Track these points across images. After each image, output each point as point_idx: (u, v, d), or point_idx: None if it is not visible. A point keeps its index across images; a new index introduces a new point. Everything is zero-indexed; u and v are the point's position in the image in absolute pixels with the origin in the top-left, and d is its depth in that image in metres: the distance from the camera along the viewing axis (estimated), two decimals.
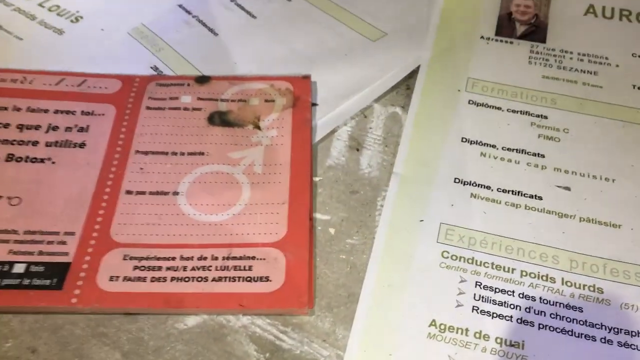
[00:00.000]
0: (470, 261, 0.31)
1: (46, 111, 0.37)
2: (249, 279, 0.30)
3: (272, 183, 0.34)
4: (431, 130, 0.38)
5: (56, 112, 0.37)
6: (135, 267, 0.30)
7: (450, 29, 0.44)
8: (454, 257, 0.32)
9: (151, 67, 0.41)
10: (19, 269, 0.30)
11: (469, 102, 0.39)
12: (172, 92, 0.39)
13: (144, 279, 0.30)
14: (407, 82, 0.41)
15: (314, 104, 0.39)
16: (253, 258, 0.31)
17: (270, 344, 0.29)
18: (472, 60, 0.42)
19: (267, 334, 0.29)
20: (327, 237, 0.33)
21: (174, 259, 0.31)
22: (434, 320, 0.30)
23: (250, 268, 0.31)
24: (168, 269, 0.30)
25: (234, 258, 0.31)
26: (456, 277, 0.31)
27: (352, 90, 0.40)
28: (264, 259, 0.31)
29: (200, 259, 0.31)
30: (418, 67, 0.41)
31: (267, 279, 0.30)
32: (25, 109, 0.37)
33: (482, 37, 0.43)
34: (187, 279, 0.30)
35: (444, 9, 0.45)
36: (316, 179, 0.35)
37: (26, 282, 0.29)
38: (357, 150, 0.37)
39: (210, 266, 0.31)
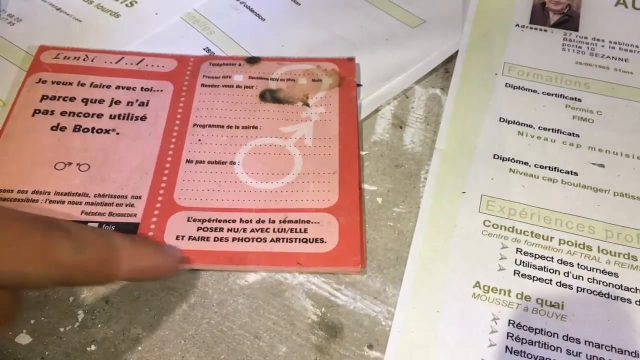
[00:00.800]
0: (510, 229, 0.33)
1: (108, 87, 0.40)
2: (305, 240, 0.32)
3: (322, 155, 0.37)
4: (470, 110, 0.40)
5: (117, 87, 0.40)
6: (199, 228, 0.33)
7: (486, 17, 0.46)
8: (495, 226, 0.34)
9: (203, 49, 0.43)
10: (92, 227, 0.32)
11: (505, 85, 0.41)
12: (225, 71, 0.41)
13: (207, 239, 0.32)
14: (446, 66, 0.43)
15: (359, 85, 0.41)
16: (308, 222, 0.33)
17: (325, 299, 0.31)
18: (508, 47, 0.44)
19: (322, 291, 0.31)
20: (375, 206, 0.35)
21: (234, 221, 0.33)
22: (477, 282, 0.32)
23: (305, 230, 0.33)
24: (229, 230, 0.33)
25: (290, 222, 0.33)
26: (498, 244, 0.33)
27: (393, 72, 0.42)
28: (318, 223, 0.33)
29: (258, 222, 0.33)
30: (456, 52, 0.43)
31: (321, 241, 0.32)
32: (88, 84, 0.39)
33: (517, 24, 0.45)
34: (247, 239, 0.32)
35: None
36: (362, 152, 0.37)
37: None
38: (400, 127, 0.39)
39: (268, 228, 0.33)
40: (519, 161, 0.37)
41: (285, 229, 0.33)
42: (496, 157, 0.37)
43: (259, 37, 0.45)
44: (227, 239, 0.32)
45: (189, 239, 0.32)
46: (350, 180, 0.35)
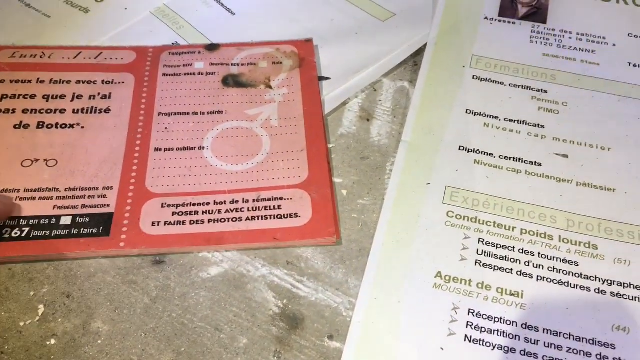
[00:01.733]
0: (473, 220, 0.34)
1: (68, 82, 0.40)
2: (279, 216, 0.33)
3: (289, 134, 0.37)
4: (437, 102, 0.40)
5: (78, 82, 0.40)
6: (174, 213, 0.33)
7: (455, 10, 0.46)
8: (458, 217, 0.34)
9: (172, 44, 0.43)
10: (65, 220, 0.32)
11: (473, 77, 0.41)
12: (185, 60, 0.41)
13: (183, 223, 0.32)
14: (415, 59, 0.43)
15: (326, 78, 0.41)
16: (281, 199, 0.34)
17: (288, 291, 0.31)
18: (477, 39, 0.44)
19: (284, 283, 0.31)
20: (340, 198, 0.35)
21: (208, 204, 0.33)
22: (439, 272, 0.32)
23: (279, 207, 0.33)
24: (204, 212, 0.33)
25: (264, 200, 0.34)
26: (460, 235, 0.33)
27: (362, 66, 0.42)
28: (291, 199, 0.33)
29: (232, 202, 0.33)
30: (425, 45, 0.43)
31: (296, 215, 0.33)
32: (48, 81, 0.39)
33: (485, 17, 0.45)
34: (223, 220, 0.33)
35: None
36: (329, 145, 0.37)
37: (74, 231, 0.32)
38: (368, 120, 0.39)
39: (243, 208, 0.33)
40: (484, 152, 0.37)
41: (259, 207, 0.33)
42: (462, 148, 0.37)
43: (228, 31, 0.45)
44: (202, 222, 0.33)
45: (165, 224, 0.32)
46: (319, 156, 0.36)
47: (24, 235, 0.32)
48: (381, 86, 0.41)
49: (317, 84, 0.40)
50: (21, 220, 0.32)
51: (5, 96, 0.38)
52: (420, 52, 0.43)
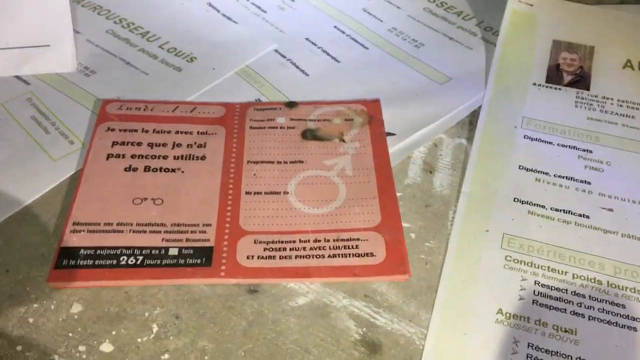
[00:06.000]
0: (529, 264, 0.38)
1: (169, 132, 0.45)
2: (357, 255, 0.37)
3: (362, 183, 0.42)
4: (492, 158, 0.45)
5: (177, 132, 0.45)
6: (265, 249, 0.38)
7: (506, 76, 0.51)
8: (515, 261, 0.38)
9: (255, 100, 0.49)
10: (173, 252, 0.37)
11: (524, 137, 0.46)
12: (269, 115, 0.47)
13: (273, 257, 0.37)
14: (470, 119, 0.48)
15: (392, 134, 0.46)
16: (358, 239, 0.38)
17: (366, 321, 0.35)
18: (526, 103, 0.49)
19: (363, 313, 0.36)
20: (409, 241, 0.39)
21: (294, 242, 0.38)
22: (500, 309, 0.36)
23: (357, 247, 0.38)
24: (291, 249, 0.38)
25: (343, 240, 0.38)
26: (518, 277, 0.37)
27: (423, 123, 0.48)
28: (367, 240, 0.38)
29: (315, 241, 0.38)
30: (479, 107, 0.49)
31: (372, 255, 0.37)
32: (151, 131, 0.45)
33: (534, 83, 0.51)
34: (308, 256, 0.37)
35: (501, 60, 0.52)
36: (398, 194, 0.42)
37: (181, 261, 0.37)
38: (430, 172, 0.44)
39: (325, 246, 0.38)
40: (537, 204, 0.41)
41: (339, 246, 0.38)
42: (516, 200, 0.42)
43: (303, 90, 0.50)
44: (290, 257, 0.37)
45: (258, 258, 0.37)
46: (389, 203, 0.40)
47: (138, 263, 0.37)
48: (441, 142, 0.46)
49: (384, 139, 0.45)
50: (135, 250, 0.37)
51: (115, 143, 0.44)
52: (475, 113, 0.48)
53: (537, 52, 0.53)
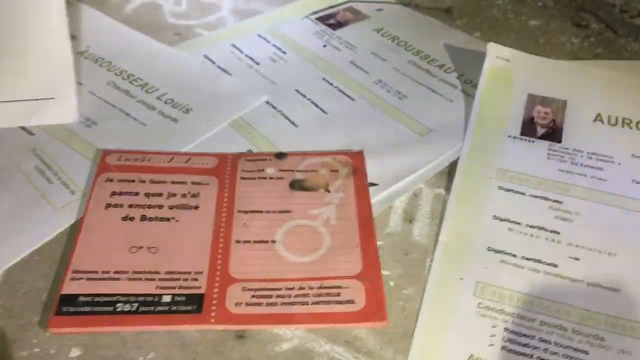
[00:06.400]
0: (500, 311, 0.41)
1: (164, 182, 0.48)
2: (338, 302, 0.40)
3: (345, 232, 0.45)
4: (468, 208, 0.48)
5: (172, 182, 0.48)
6: (253, 296, 0.40)
7: (483, 128, 0.54)
8: (487, 308, 0.41)
9: (247, 150, 0.52)
10: (166, 299, 0.40)
11: (498, 188, 0.49)
12: (259, 166, 0.50)
13: (260, 304, 0.40)
14: (449, 169, 0.51)
15: (374, 184, 0.49)
16: (339, 287, 0.41)
17: None
18: (502, 154, 0.52)
19: (344, 359, 0.38)
20: (388, 288, 0.42)
21: (280, 289, 0.41)
22: (471, 355, 0.38)
23: (338, 294, 0.40)
24: (277, 296, 0.40)
25: (326, 287, 0.41)
26: (489, 323, 0.40)
27: (404, 174, 0.51)
28: (348, 288, 0.41)
29: (299, 288, 0.41)
30: (458, 158, 0.52)
31: (352, 302, 0.40)
32: (148, 181, 0.48)
33: (509, 135, 0.54)
34: (292, 303, 0.40)
35: (479, 113, 0.56)
36: (378, 242, 0.45)
37: (174, 308, 0.39)
38: (410, 222, 0.47)
39: (309, 294, 0.40)
40: (509, 253, 0.44)
41: (322, 294, 0.40)
42: (489, 249, 0.45)
43: (292, 140, 0.53)
44: (276, 304, 0.40)
45: (246, 305, 0.40)
46: (370, 252, 0.43)
47: (134, 309, 0.39)
48: (421, 192, 0.49)
49: (367, 190, 0.48)
50: (131, 297, 0.40)
51: (114, 193, 0.47)
52: (454, 164, 0.51)
53: (513, 105, 0.56)
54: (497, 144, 0.53)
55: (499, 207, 0.48)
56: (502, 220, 0.47)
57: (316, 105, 0.57)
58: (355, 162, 0.51)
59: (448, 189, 0.49)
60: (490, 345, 0.39)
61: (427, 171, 0.51)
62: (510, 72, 0.59)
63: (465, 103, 0.58)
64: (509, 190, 0.49)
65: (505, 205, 0.48)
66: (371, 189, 0.49)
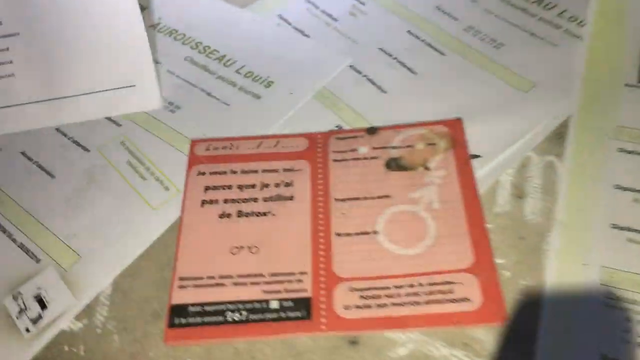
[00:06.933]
0: (633, 302, 0.37)
1: (256, 172, 0.46)
2: (452, 300, 0.38)
3: (450, 217, 0.42)
4: (585, 178, 0.43)
5: (264, 171, 0.46)
6: (361, 297, 0.39)
7: (596, 77, 0.49)
8: (617, 299, 0.38)
9: (335, 126, 0.49)
10: (274, 305, 0.39)
11: (618, 150, 0.44)
12: (350, 145, 0.47)
13: (370, 306, 0.38)
14: (559, 131, 0.46)
15: (477, 156, 0.46)
16: (452, 283, 0.39)
17: None
18: (619, 108, 0.46)
19: None
20: (503, 279, 0.39)
21: (388, 288, 0.39)
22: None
23: (451, 291, 0.38)
24: (387, 296, 0.39)
25: (437, 284, 0.39)
26: (621, 316, 0.37)
27: (509, 141, 0.46)
28: (462, 283, 0.38)
29: (409, 286, 0.39)
30: (569, 116, 0.47)
31: (467, 300, 0.38)
32: (239, 171, 0.46)
33: (626, 84, 0.48)
34: (403, 304, 0.38)
35: (589, 59, 0.50)
36: (487, 226, 0.42)
37: (283, 315, 0.39)
38: (520, 198, 0.43)
39: (419, 292, 0.38)
40: (636, 230, 0.40)
41: (434, 291, 0.38)
42: (613, 226, 0.41)
43: (382, 110, 0.50)
44: (386, 305, 0.38)
45: (355, 308, 0.38)
46: (481, 239, 0.40)
47: (243, 318, 0.39)
48: (529, 161, 0.45)
49: (470, 165, 0.45)
50: (239, 305, 0.40)
51: (208, 188, 0.46)
52: (565, 124, 0.46)
53: (627, 46, 0.50)
54: (612, 95, 0.47)
55: (620, 174, 0.43)
56: (625, 189, 0.42)
57: (403, 65, 0.53)
58: (454, 132, 0.47)
59: (559, 155, 0.45)
60: (625, 342, 0.36)
61: (534, 135, 0.47)
62: (624, 4, 0.52)
63: (571, 47, 0.52)
64: (630, 152, 0.44)
65: (627, 171, 0.43)
66: (473, 162, 0.45)
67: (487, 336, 0.37)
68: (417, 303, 0.38)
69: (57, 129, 0.52)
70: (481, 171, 0.45)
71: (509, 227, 0.42)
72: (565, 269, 0.39)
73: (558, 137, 0.46)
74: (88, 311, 0.41)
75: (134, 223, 0.45)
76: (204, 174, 0.47)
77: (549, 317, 0.37)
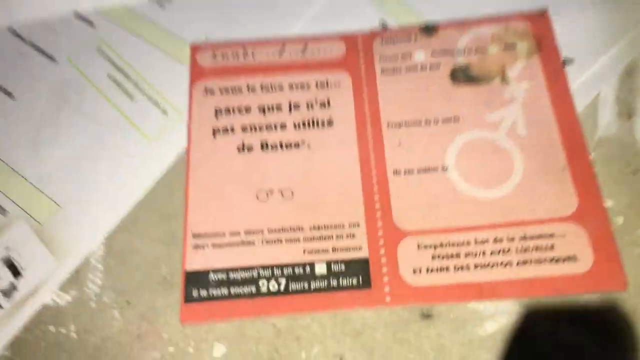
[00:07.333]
0: None
1: (281, 88, 0.35)
2: (554, 259, 0.29)
3: (543, 146, 0.32)
4: None
5: (291, 87, 0.35)
6: (434, 257, 0.30)
7: None
8: None
9: (379, 23, 0.38)
10: (320, 269, 0.30)
11: None
12: (402, 49, 0.36)
13: (447, 269, 0.29)
14: None
15: (570, 60, 0.35)
16: (552, 236, 0.30)
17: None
18: None
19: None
20: (615, 228, 0.30)
21: (468, 243, 0.30)
22: None
23: (552, 247, 0.29)
24: (467, 255, 0.30)
25: (532, 238, 0.30)
26: None
27: (608, 40, 0.36)
28: (564, 236, 0.30)
29: (495, 241, 0.30)
30: None
31: (574, 259, 0.29)
32: (259, 87, 0.35)
33: None
34: (490, 265, 0.29)
35: None
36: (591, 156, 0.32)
37: (333, 283, 0.30)
38: (629, 117, 0.33)
39: (509, 249, 0.30)
40: None
41: (529, 248, 0.30)
42: None
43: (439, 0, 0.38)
44: (468, 267, 0.30)
45: (427, 272, 0.30)
46: (585, 175, 0.31)
47: (282, 289, 0.30)
48: (636, 66, 0.35)
49: (564, 74, 0.34)
50: (275, 270, 0.30)
51: (219, 111, 0.35)
52: None
53: None
54: None
55: None
56: None
57: None
58: (539, 29, 0.36)
59: None
60: None
61: (638, 34, 0.36)
62: None
63: None
64: None
65: None
66: (567, 70, 0.35)
67: (602, 306, 0.29)
68: (509, 264, 0.29)
69: (11, 30, 0.39)
70: (577, 82, 0.34)
71: (617, 157, 0.32)
72: None
73: None
74: (76, 279, 0.32)
75: (124, 159, 0.35)
76: (212, 92, 0.35)
77: None
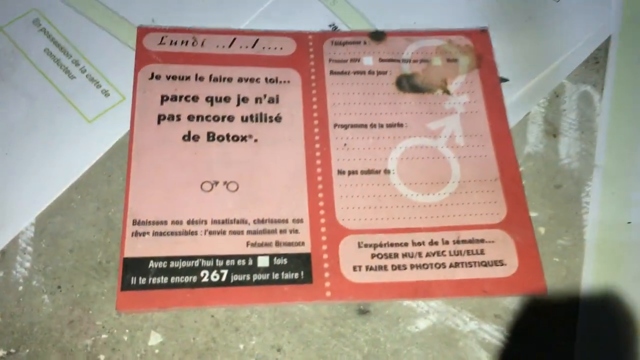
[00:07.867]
0: None
1: (230, 80, 0.35)
2: (484, 263, 0.31)
3: (478, 157, 0.34)
4: (630, 114, 0.36)
5: (240, 80, 0.36)
6: (373, 255, 0.31)
7: None
8: None
9: (329, 26, 0.38)
10: (263, 262, 0.30)
11: None
12: (352, 53, 0.37)
13: (385, 268, 0.31)
14: (596, 55, 0.39)
15: (505, 79, 0.37)
16: (482, 241, 0.32)
17: (500, 349, 0.30)
18: None
19: (495, 340, 0.30)
20: (538, 237, 0.33)
21: (406, 244, 0.31)
22: None
23: (482, 252, 0.31)
24: (404, 255, 0.31)
25: (464, 242, 0.31)
26: None
27: (541, 62, 0.38)
28: (493, 242, 0.31)
29: (431, 243, 0.31)
30: (608, 37, 0.39)
31: (501, 263, 0.31)
32: (208, 77, 0.35)
33: None
34: (425, 266, 0.31)
35: None
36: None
37: (275, 276, 0.30)
38: (554, 136, 0.36)
39: (444, 251, 0.31)
40: None
41: (461, 251, 0.31)
42: None
43: (388, 10, 0.40)
44: (405, 267, 0.31)
45: (367, 270, 0.31)
46: (514, 186, 0.33)
47: (223, 280, 0.30)
48: (563, 90, 0.38)
49: (500, 90, 0.36)
50: (217, 261, 0.30)
51: (165, 98, 0.34)
52: (605, 46, 0.39)
53: None
54: None
55: None
56: None
57: None
58: (480, 46, 0.38)
59: (597, 85, 0.37)
60: None
61: (570, 58, 0.39)
62: None
63: None
64: None
65: None
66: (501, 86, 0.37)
67: (522, 307, 0.31)
68: (442, 266, 0.31)
69: None
70: (511, 100, 0.37)
71: (543, 172, 0.35)
72: (607, 227, 0.33)
73: (594, 62, 0.38)
74: (3, 260, 0.30)
75: (60, 138, 0.33)
76: (158, 77, 0.35)
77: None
